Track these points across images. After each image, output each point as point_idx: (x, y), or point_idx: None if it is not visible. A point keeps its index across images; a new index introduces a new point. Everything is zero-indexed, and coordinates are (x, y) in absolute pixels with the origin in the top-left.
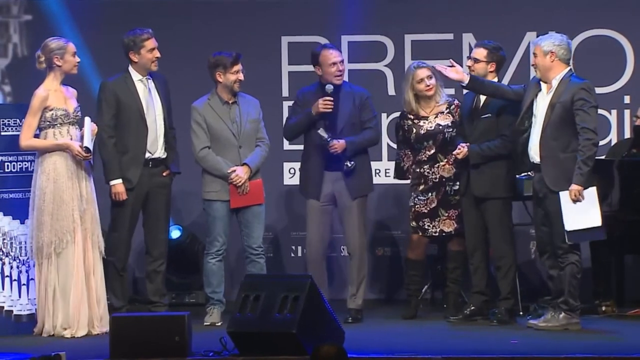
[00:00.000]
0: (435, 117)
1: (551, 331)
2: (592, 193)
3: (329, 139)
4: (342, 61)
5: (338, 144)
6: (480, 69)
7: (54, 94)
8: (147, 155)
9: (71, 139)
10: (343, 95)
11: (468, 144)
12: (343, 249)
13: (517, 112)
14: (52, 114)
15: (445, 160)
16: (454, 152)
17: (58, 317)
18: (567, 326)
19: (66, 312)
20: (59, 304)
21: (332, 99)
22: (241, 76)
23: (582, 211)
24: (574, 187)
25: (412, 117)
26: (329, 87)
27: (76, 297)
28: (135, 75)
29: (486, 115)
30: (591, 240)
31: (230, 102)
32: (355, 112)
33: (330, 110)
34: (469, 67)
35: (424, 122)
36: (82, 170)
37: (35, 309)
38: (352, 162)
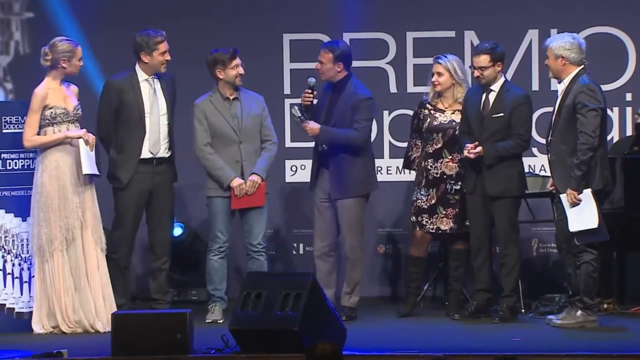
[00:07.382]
0: (452, 113)
1: (566, 328)
2: (587, 195)
3: (301, 118)
4: (321, 62)
5: (309, 126)
6: (490, 74)
7: (53, 93)
8: (149, 155)
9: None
10: (345, 94)
11: (477, 143)
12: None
13: (530, 111)
14: (52, 112)
15: (451, 157)
16: (466, 152)
17: (67, 313)
18: (584, 324)
19: (74, 308)
20: (65, 301)
21: (311, 91)
22: (241, 70)
23: (581, 213)
24: (568, 190)
25: (430, 107)
26: (311, 80)
27: (84, 293)
28: (142, 75)
29: (498, 115)
30: (595, 242)
31: (231, 98)
32: (348, 112)
33: (309, 102)
34: (478, 77)
35: (440, 115)
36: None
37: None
38: (324, 147)
